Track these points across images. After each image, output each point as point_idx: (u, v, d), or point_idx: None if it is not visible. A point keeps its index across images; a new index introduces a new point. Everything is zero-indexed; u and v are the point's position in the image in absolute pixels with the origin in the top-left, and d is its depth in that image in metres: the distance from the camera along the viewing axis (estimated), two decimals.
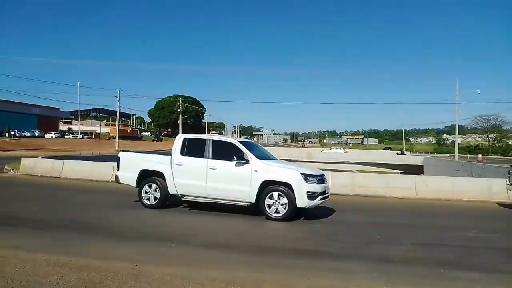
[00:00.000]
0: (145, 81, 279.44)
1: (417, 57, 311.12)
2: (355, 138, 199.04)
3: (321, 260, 5.81)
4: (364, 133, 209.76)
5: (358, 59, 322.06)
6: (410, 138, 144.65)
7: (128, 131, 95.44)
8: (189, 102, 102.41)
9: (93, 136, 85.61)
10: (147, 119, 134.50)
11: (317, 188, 8.69)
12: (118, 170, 10.50)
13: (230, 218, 9.16)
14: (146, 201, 9.78)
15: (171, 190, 9.54)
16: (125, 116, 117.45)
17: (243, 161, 8.88)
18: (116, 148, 52.94)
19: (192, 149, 9.57)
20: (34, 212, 9.36)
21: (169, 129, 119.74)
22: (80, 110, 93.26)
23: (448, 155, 65.23)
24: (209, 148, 9.32)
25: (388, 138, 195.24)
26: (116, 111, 62.73)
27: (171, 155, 9.80)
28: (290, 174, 8.76)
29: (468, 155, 60.58)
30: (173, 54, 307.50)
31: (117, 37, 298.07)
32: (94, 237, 6.84)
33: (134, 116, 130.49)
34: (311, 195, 8.54)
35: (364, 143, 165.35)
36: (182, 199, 9.65)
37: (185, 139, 9.81)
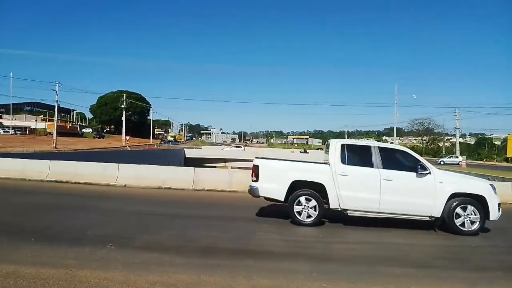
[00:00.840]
0: (88, 75, 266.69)
1: (360, 61, 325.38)
2: (301, 138, 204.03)
3: (264, 260, 5.86)
4: (309, 134, 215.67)
5: (305, 61, 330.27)
6: (352, 139, 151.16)
7: (68, 127, 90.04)
8: (133, 98, 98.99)
9: (27, 131, 79.75)
10: (89, 115, 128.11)
11: (498, 198, 8.38)
12: (255, 180, 8.89)
13: (170, 218, 8.98)
14: (299, 218, 8.49)
15: (333, 204, 8.41)
16: (65, 112, 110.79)
17: (425, 172, 8.20)
18: (54, 145, 49.82)
19: (356, 157, 8.59)
20: None
21: (112, 126, 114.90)
22: (12, 103, 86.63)
23: None
24: (377, 157, 8.39)
25: (331, 139, 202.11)
26: (54, 106, 58.99)
27: (323, 163, 8.87)
28: (481, 186, 8.35)
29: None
30: (118, 49, 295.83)
31: (57, 27, 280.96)
32: (23, 241, 6.34)
33: (75, 112, 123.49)
34: (499, 207, 8.18)
35: (309, 143, 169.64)
36: (348, 214, 8.47)
37: (343, 145, 8.71)
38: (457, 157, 60.38)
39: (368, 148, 8.65)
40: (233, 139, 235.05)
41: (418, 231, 8.45)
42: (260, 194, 8.80)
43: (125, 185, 15.16)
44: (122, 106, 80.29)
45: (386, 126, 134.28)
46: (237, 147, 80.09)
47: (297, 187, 8.57)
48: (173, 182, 15.18)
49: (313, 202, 8.43)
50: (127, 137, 72.48)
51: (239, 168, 44.80)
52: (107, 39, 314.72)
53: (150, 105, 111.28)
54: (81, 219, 8.45)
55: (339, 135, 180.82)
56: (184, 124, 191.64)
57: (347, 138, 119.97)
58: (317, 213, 8.40)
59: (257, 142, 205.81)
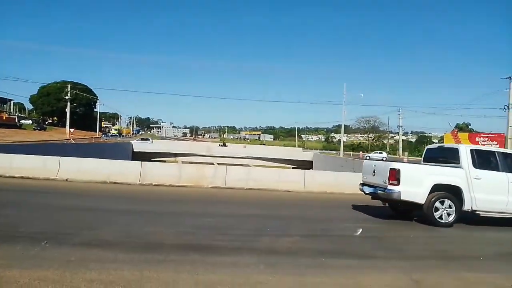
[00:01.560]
0: (28, 63, 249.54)
1: (311, 60, 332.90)
2: (253, 134, 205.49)
3: (210, 254, 5.72)
4: (261, 130, 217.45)
5: (259, 56, 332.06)
6: (302, 135, 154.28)
7: (4, 118, 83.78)
8: (79, 90, 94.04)
9: None
10: (29, 106, 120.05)
11: None
12: (395, 184, 8.80)
13: (114, 214, 8.61)
14: (439, 220, 8.81)
15: (467, 205, 8.85)
16: (1, 101, 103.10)
17: None
18: None
19: (484, 161, 9.16)
20: None
21: (55, 118, 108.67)
22: None
23: (335, 152, 71.25)
24: (501, 161, 9.14)
25: (283, 135, 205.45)
26: None
27: (456, 167, 9.18)
28: None
29: (351, 153, 66.95)
30: (63, 36, 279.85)
31: None
32: None
33: (12, 102, 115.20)
34: None
35: (261, 139, 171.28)
36: (480, 215, 9.14)
37: (472, 150, 9.26)
38: (381, 152, 64.44)
39: (493, 153, 9.47)
40: (184, 134, 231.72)
41: None
42: (402, 198, 8.79)
43: (67, 179, 14.34)
44: (66, 97, 76.16)
45: (334, 124, 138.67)
46: (144, 140, 74.78)
47: (433, 190, 8.87)
48: (119, 176, 14.60)
49: (450, 204, 8.82)
50: (72, 130, 68.82)
51: (190, 162, 44.22)
52: (51, 27, 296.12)
53: (97, 97, 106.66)
54: (13, 216, 7.80)
55: (290, 131, 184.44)
56: (133, 117, 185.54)
57: (298, 134, 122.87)
58: (454, 214, 8.82)
59: (209, 137, 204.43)
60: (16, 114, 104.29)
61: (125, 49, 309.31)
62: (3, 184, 12.61)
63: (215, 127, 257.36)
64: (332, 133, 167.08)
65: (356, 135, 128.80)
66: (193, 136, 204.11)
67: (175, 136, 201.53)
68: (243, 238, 6.92)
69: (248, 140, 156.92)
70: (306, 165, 50.91)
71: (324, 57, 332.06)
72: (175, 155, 57.79)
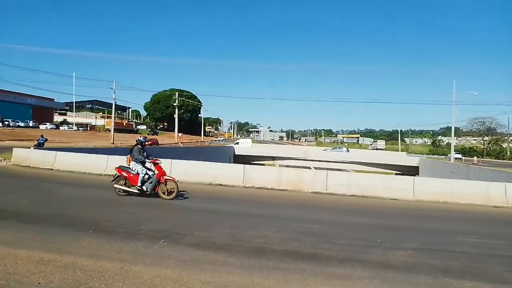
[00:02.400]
0: (142, 74, 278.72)
1: (414, 57, 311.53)
2: (351, 137, 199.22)
3: (319, 264, 5.53)
4: (360, 133, 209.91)
5: (356, 58, 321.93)
6: (405, 138, 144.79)
7: (124, 124, 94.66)
8: (185, 96, 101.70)
9: (88, 128, 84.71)
10: (143, 113, 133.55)
11: None
12: None
13: (221, 215, 8.92)
14: None
15: None
16: (121, 109, 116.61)
17: None
18: (112, 141, 52.40)
19: None
20: (21, 204, 9.02)
21: (165, 123, 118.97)
22: (75, 102, 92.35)
23: (444, 156, 65.14)
24: None
25: (384, 138, 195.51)
26: (112, 104, 62.12)
27: None
28: None
29: (463, 158, 60.57)
30: (171, 48, 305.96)
31: (114, 29, 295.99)
32: (81, 232, 6.54)
33: (130, 109, 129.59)
34: None
35: (360, 143, 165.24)
36: None
37: None
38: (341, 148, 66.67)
39: None
40: (281, 137, 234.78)
41: None
42: None
43: (177, 181, 15.39)
44: (175, 104, 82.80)
45: (442, 126, 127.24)
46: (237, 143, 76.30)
47: None
48: (224, 178, 15.21)
49: None
50: (180, 134, 74.63)
51: (287, 166, 44.53)
52: (160, 40, 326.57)
53: (201, 103, 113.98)
54: (135, 214, 8.61)
55: (391, 134, 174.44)
56: (233, 122, 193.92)
57: (400, 138, 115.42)
58: None
59: (305, 141, 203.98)
60: (134, 120, 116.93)
61: (227, 56, 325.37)
62: None
63: (311, 130, 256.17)
64: (440, 136, 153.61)
65: (467, 138, 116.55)
66: (289, 139, 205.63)
67: (272, 139, 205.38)
68: (352, 248, 6.57)
69: (346, 144, 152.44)
70: (412, 171, 47.48)
71: (429, 54, 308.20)
72: (273, 158, 58.75)
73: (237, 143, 65.78)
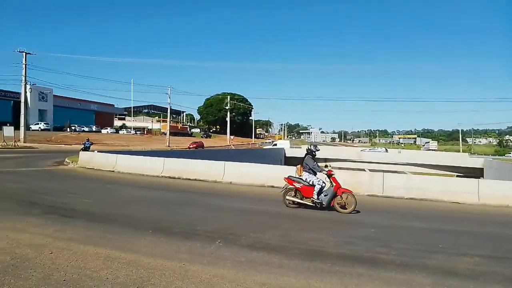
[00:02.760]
0: (196, 78, 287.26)
1: (475, 53, 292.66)
2: (407, 138, 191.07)
3: (376, 268, 5.36)
4: (417, 133, 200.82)
5: (412, 54, 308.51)
6: (467, 138, 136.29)
7: (179, 128, 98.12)
8: (237, 100, 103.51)
9: (145, 132, 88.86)
10: (197, 116, 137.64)
11: None
12: None
13: (274, 217, 8.93)
14: None
15: None
16: (176, 113, 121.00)
17: None
18: (167, 144, 54.52)
19: None
20: (88, 204, 9.67)
21: (218, 126, 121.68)
22: (133, 107, 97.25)
23: None
24: None
25: (443, 138, 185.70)
26: (167, 108, 64.70)
27: None
28: None
29: None
30: (224, 52, 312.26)
31: (169, 37, 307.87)
32: (142, 232, 6.87)
33: (184, 113, 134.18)
34: None
35: (417, 143, 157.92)
36: None
37: None
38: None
39: None
40: (333, 139, 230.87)
41: None
42: None
43: (230, 182, 15.71)
44: (227, 107, 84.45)
45: (509, 124, 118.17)
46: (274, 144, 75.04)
47: None
48: (276, 180, 15.20)
49: None
50: (232, 137, 75.99)
51: (339, 168, 43.69)
52: (213, 45, 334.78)
53: (252, 106, 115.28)
54: (191, 215, 8.90)
55: (451, 134, 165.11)
56: (284, 124, 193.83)
57: (462, 138, 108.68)
58: None
59: (359, 142, 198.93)
60: (188, 124, 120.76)
61: (278, 58, 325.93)
62: (180, 185, 14.57)
63: (365, 131, 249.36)
64: (507, 136, 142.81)
65: None
66: (342, 141, 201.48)
67: (323, 141, 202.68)
68: (410, 253, 6.29)
69: (402, 145, 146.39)
70: (475, 173, 44.58)
71: (492, 48, 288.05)
72: (325, 160, 57.89)
73: (275, 144, 66.46)
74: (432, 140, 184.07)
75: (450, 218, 10.47)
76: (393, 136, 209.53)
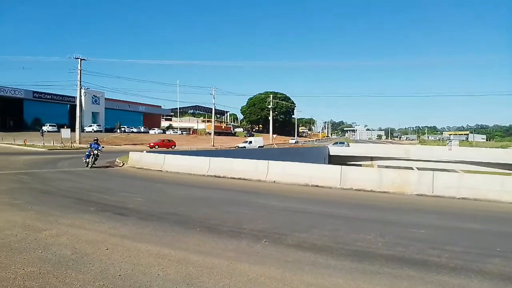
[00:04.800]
0: (239, 79, 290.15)
1: None
2: (459, 134, 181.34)
3: (428, 271, 5.16)
4: (470, 129, 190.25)
5: (463, 46, 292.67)
6: None
7: (223, 127, 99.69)
8: (279, 98, 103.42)
9: (191, 132, 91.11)
10: (240, 116, 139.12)
11: None
12: None
13: (320, 217, 8.86)
14: None
15: None
16: (220, 113, 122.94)
17: None
18: (212, 144, 55.57)
19: None
20: (139, 202, 10.09)
21: (260, 125, 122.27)
22: (179, 108, 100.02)
23: None
24: None
25: (499, 134, 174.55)
26: (212, 108, 65.96)
27: None
28: None
29: None
30: (266, 52, 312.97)
31: (212, 39, 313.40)
32: (190, 230, 7.08)
33: (228, 113, 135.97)
34: None
35: (470, 140, 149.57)
36: None
37: None
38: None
39: None
40: (379, 136, 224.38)
41: None
42: None
43: (274, 181, 15.75)
44: (269, 106, 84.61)
45: None
46: (340, 143, 68.42)
47: None
48: (320, 180, 15.09)
49: None
50: (274, 136, 76.10)
51: (386, 167, 42.38)
52: (255, 44, 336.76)
53: (295, 104, 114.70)
54: (237, 213, 9.04)
55: (509, 130, 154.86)
56: (327, 122, 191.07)
57: None
58: None
59: (406, 139, 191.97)
60: (231, 124, 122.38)
61: (317, 56, 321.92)
62: (226, 184, 14.82)
63: (413, 128, 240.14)
64: None
65: None
66: (388, 138, 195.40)
67: (369, 139, 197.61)
68: (465, 256, 5.99)
69: (456, 142, 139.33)
70: None
71: None
72: (371, 158, 56.49)
73: (250, 142, 56.07)
74: (487, 136, 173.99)
75: (509, 219, 9.86)
76: (443, 132, 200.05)
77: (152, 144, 45.16)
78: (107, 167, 20.67)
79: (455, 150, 58.08)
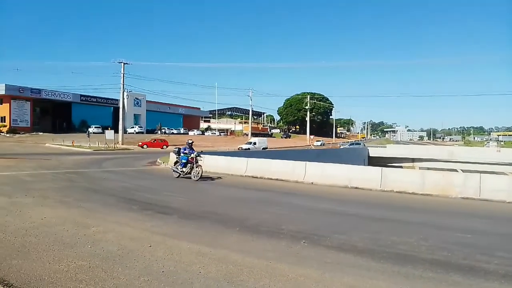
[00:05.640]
0: (276, 80, 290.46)
1: None
2: (508, 135, 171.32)
3: (476, 278, 4.94)
4: None
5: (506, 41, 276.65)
6: None
7: (260, 129, 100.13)
8: (316, 99, 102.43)
9: (228, 133, 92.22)
10: (277, 117, 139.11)
11: None
12: None
13: (360, 219, 8.70)
14: None
15: None
16: (257, 114, 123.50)
17: None
18: None
19: None
20: (180, 202, 10.38)
21: (297, 126, 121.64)
22: (217, 109, 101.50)
23: None
24: None
25: None
26: (249, 110, 66.43)
27: None
28: None
29: None
30: (303, 52, 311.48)
31: (249, 41, 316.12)
32: (230, 229, 7.19)
33: (265, 114, 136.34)
34: None
35: None
36: None
37: None
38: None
39: None
40: (421, 137, 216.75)
41: None
42: None
43: (312, 183, 15.64)
44: (306, 107, 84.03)
45: None
46: (355, 144, 66.70)
47: None
48: (360, 181, 14.81)
49: None
50: (311, 137, 75.49)
51: (428, 169, 40.83)
52: (291, 45, 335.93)
53: (333, 105, 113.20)
54: (275, 214, 9.08)
55: None
56: (367, 122, 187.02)
57: None
58: None
59: (450, 140, 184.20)
60: (268, 125, 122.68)
61: (357, 56, 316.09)
62: (263, 185, 14.89)
63: (457, 128, 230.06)
64: None
65: None
66: (431, 139, 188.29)
67: (410, 140, 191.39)
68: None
69: (502, 143, 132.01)
70: None
71: None
72: (412, 160, 54.63)
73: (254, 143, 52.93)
74: None
75: None
76: (491, 133, 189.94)
77: (141, 143, 44.76)
78: (149, 166, 21.32)
79: (504, 152, 54.95)
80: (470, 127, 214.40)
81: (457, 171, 30.22)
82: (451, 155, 53.72)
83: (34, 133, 55.44)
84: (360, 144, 63.15)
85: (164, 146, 45.33)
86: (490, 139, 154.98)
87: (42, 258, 5.23)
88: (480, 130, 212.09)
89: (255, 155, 25.25)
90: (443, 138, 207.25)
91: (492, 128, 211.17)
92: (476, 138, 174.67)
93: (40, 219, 7.57)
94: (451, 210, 10.71)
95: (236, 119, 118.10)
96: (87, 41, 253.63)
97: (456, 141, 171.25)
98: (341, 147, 59.20)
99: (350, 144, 63.21)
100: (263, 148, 49.47)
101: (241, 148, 47.43)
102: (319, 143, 62.56)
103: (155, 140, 47.89)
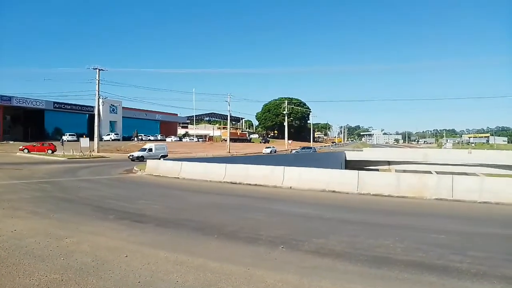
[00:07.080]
0: (254, 85, 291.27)
1: None
2: (479, 136, 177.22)
3: (450, 277, 5.07)
4: (490, 131, 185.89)
5: (483, 47, 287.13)
6: None
7: (238, 134, 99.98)
8: (294, 104, 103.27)
9: (207, 139, 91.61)
10: (255, 122, 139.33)
11: None
12: None
13: (338, 223, 8.79)
14: None
15: None
16: (235, 120, 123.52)
17: None
18: (228, 150, 55.79)
19: None
20: (156, 210, 10.22)
21: (276, 131, 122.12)
22: (195, 115, 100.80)
23: None
24: None
25: None
26: (227, 115, 66.31)
27: None
28: None
29: None
30: (280, 58, 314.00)
31: (227, 46, 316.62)
32: (208, 236, 7.13)
33: (243, 120, 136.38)
34: None
35: (490, 142, 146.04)
36: None
37: None
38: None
39: None
40: (396, 140, 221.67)
41: None
42: None
43: (290, 187, 15.71)
44: (284, 112, 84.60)
45: None
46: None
47: None
48: (337, 185, 14.97)
49: None
50: (290, 141, 75.96)
51: (404, 171, 41.74)
52: (268, 52, 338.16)
53: (310, 109, 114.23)
54: (254, 220, 9.05)
55: None
56: (343, 127, 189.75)
57: None
58: None
59: (424, 143, 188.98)
60: (247, 130, 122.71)
61: (334, 61, 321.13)
62: (242, 191, 14.86)
63: (430, 131, 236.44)
64: None
65: None
66: (406, 142, 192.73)
67: (386, 143, 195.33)
68: (488, 262, 5.85)
69: (473, 145, 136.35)
70: None
71: None
72: (388, 163, 55.70)
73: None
74: (509, 138, 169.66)
75: None
76: (462, 135, 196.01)
77: (21, 147, 41.34)
78: (125, 174, 20.96)
79: (475, 153, 56.75)
80: (443, 130, 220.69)
81: (432, 173, 31.05)
82: (425, 157, 55.07)
83: (5, 142, 53.59)
84: (311, 148, 63.62)
85: (49, 151, 40.90)
86: (462, 141, 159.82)
87: (12, 272, 5.04)
88: (452, 133, 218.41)
89: (235, 161, 25.19)
90: (418, 141, 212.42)
91: (463, 131, 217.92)
92: (448, 140, 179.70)
93: (10, 232, 7.30)
94: (426, 212, 10.95)
95: (214, 124, 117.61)
96: (63, 48, 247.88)
97: (429, 143, 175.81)
98: (293, 151, 59.61)
99: (302, 149, 63.55)
100: (161, 156, 36.38)
101: (132, 156, 36.30)
102: (268, 150, 60.87)
103: (39, 143, 43.02)
